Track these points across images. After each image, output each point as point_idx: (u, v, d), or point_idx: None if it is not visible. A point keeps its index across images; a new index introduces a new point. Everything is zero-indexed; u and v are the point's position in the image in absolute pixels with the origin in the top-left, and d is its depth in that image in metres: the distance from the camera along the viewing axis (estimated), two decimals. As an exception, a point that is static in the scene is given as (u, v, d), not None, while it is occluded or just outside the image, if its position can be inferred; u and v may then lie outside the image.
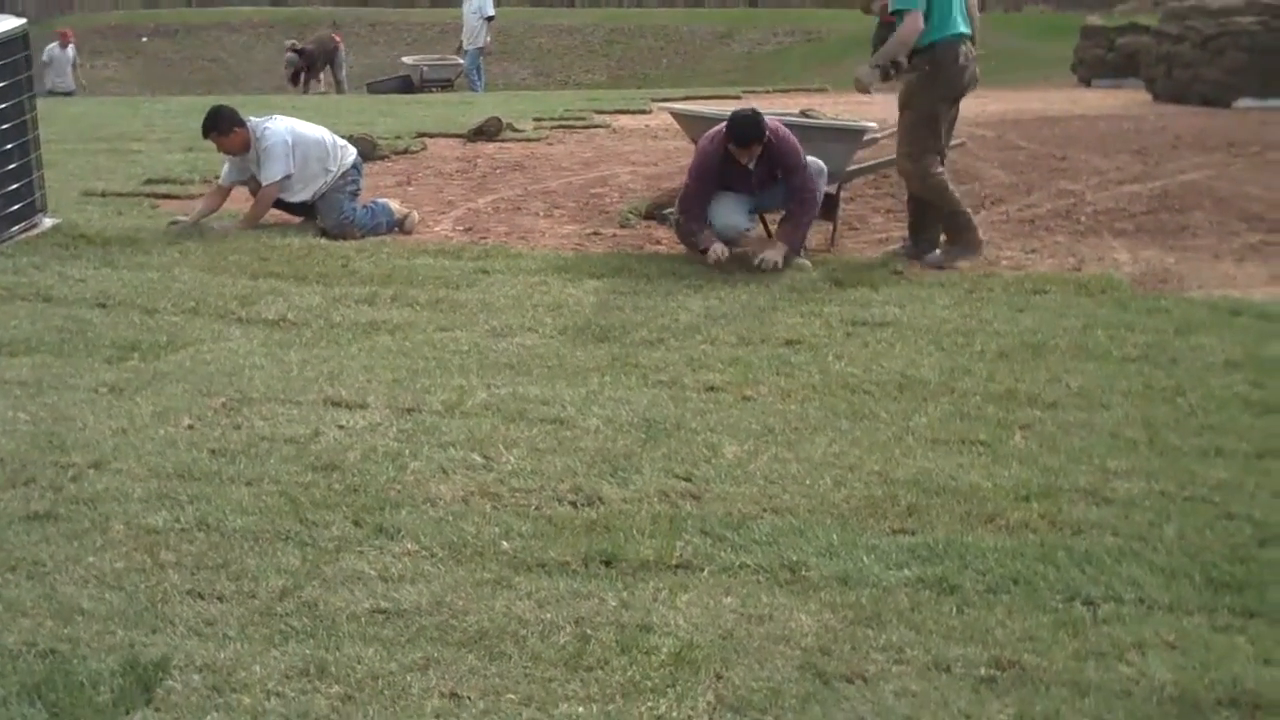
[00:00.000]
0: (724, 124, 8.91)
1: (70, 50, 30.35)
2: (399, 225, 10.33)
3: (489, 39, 27.94)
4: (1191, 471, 5.48)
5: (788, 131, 8.95)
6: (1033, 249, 9.68)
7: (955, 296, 8.28)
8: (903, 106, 9.17)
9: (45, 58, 30.18)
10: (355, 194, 10.40)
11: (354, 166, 10.44)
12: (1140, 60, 20.70)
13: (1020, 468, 5.50)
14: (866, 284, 8.60)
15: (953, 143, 9.74)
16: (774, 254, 8.85)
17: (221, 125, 10.24)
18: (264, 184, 10.23)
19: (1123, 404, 6.32)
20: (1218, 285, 8.73)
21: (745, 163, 8.87)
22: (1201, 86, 18.47)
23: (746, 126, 8.80)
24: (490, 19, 27.64)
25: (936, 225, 9.41)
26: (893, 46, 9.03)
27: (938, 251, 9.24)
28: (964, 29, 9.05)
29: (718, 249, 8.91)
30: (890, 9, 9.07)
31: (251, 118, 10.28)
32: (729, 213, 9.10)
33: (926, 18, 8.86)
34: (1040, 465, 5.53)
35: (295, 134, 10.26)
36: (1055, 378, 6.67)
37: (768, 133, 8.77)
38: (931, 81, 9.03)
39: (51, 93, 29.38)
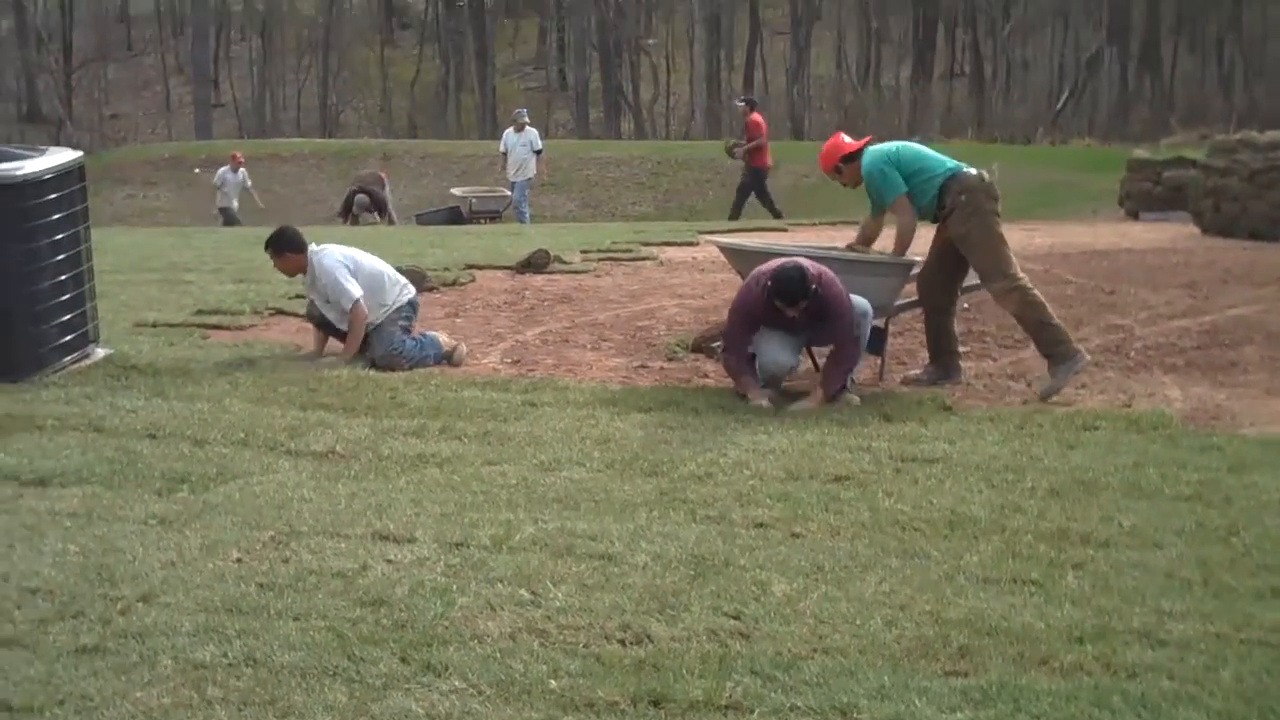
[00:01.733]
0: (771, 268, 8.91)
1: (241, 173, 30.68)
2: (447, 358, 10.38)
3: (542, 171, 28.28)
4: (1248, 613, 5.40)
5: (832, 276, 8.96)
6: (1082, 384, 9.63)
7: (1005, 432, 8.24)
8: (963, 242, 9.45)
9: (217, 180, 30.55)
10: (407, 328, 10.47)
11: (409, 304, 10.54)
12: (1188, 194, 20.70)
13: (1073, 608, 5.43)
14: (915, 419, 8.58)
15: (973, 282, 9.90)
16: (806, 405, 8.88)
17: (276, 244, 10.58)
18: (347, 309, 10.34)
19: (1176, 543, 6.25)
20: (1270, 422, 8.66)
21: (791, 315, 8.91)
22: (1250, 220, 18.46)
23: (793, 287, 8.79)
24: (539, 152, 27.97)
25: (955, 349, 9.88)
26: (902, 235, 9.59)
27: (1051, 382, 9.35)
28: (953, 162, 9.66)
29: (759, 400, 8.89)
30: (885, 204, 9.64)
31: (312, 245, 10.43)
32: (776, 350, 9.12)
33: (920, 175, 9.51)
34: (1094, 606, 5.46)
35: (354, 261, 10.42)
36: (1108, 516, 6.61)
37: (813, 284, 8.80)
38: (973, 204, 9.42)
39: (223, 212, 29.79)
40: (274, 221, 30.27)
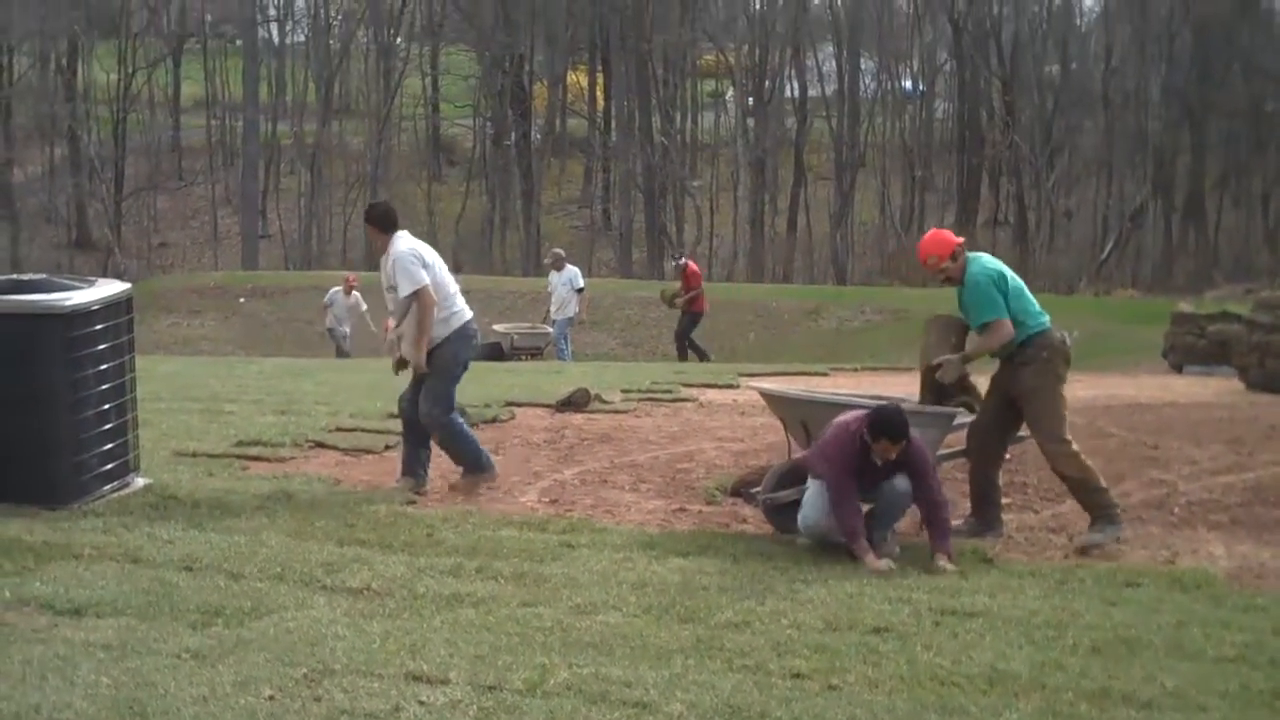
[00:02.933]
0: (854, 417, 8.83)
1: (355, 296, 30.09)
2: (470, 472, 10.61)
3: (581, 310, 28.41)
4: (1294, 782, 5.31)
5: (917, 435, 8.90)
6: (1125, 540, 9.55)
7: (1046, 587, 8.17)
8: (1030, 395, 9.49)
9: (326, 300, 30.38)
10: (459, 375, 10.73)
11: (467, 327, 10.74)
12: (1233, 348, 20.61)
13: (1115, 772, 5.35)
14: (955, 571, 8.51)
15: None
16: (946, 564, 8.67)
17: (373, 216, 10.97)
18: (404, 295, 10.46)
19: (1220, 706, 6.16)
20: (1316, 583, 8.56)
21: (887, 458, 8.77)
22: (1295, 377, 18.38)
23: (898, 419, 8.71)
24: (580, 290, 28.10)
25: (999, 501, 9.88)
26: (983, 348, 9.57)
27: (1095, 535, 9.38)
28: (1046, 317, 9.65)
29: (879, 565, 8.56)
30: (978, 322, 9.56)
31: (398, 232, 10.66)
32: (820, 514, 8.96)
33: (1015, 315, 9.48)
34: (1136, 770, 5.38)
35: (422, 259, 10.57)
36: (1150, 676, 6.52)
37: None
38: (1051, 364, 9.52)
39: (330, 332, 29.76)
40: (293, 353, 30.29)
